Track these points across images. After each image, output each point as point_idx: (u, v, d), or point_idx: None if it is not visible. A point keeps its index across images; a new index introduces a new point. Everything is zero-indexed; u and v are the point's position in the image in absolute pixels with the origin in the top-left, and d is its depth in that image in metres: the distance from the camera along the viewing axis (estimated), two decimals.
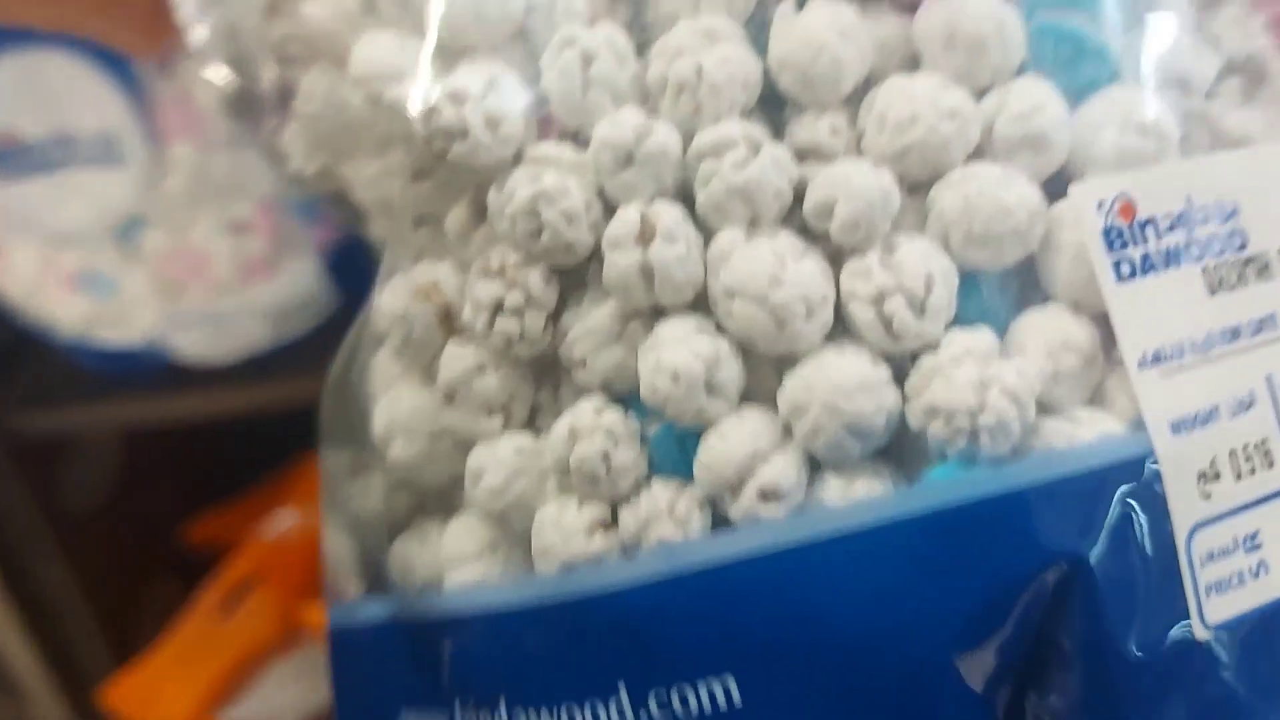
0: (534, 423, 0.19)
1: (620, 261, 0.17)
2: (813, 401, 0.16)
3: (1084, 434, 0.16)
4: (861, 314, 0.17)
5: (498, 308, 0.18)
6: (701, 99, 0.17)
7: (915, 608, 0.16)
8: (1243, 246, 0.18)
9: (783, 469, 0.17)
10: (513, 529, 0.18)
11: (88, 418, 0.66)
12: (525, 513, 0.18)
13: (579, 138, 0.18)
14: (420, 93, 0.18)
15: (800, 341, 0.17)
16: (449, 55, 0.18)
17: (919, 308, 0.17)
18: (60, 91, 0.55)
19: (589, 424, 0.17)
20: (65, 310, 0.60)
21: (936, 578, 0.16)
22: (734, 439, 0.17)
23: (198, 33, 0.21)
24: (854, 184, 0.17)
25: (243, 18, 0.20)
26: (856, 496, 0.16)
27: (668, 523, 0.17)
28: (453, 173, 0.19)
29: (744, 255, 0.17)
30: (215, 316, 0.62)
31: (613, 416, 0.17)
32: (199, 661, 0.71)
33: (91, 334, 0.61)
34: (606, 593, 0.17)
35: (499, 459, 0.18)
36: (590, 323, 0.18)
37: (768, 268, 0.16)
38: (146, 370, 0.63)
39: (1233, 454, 0.17)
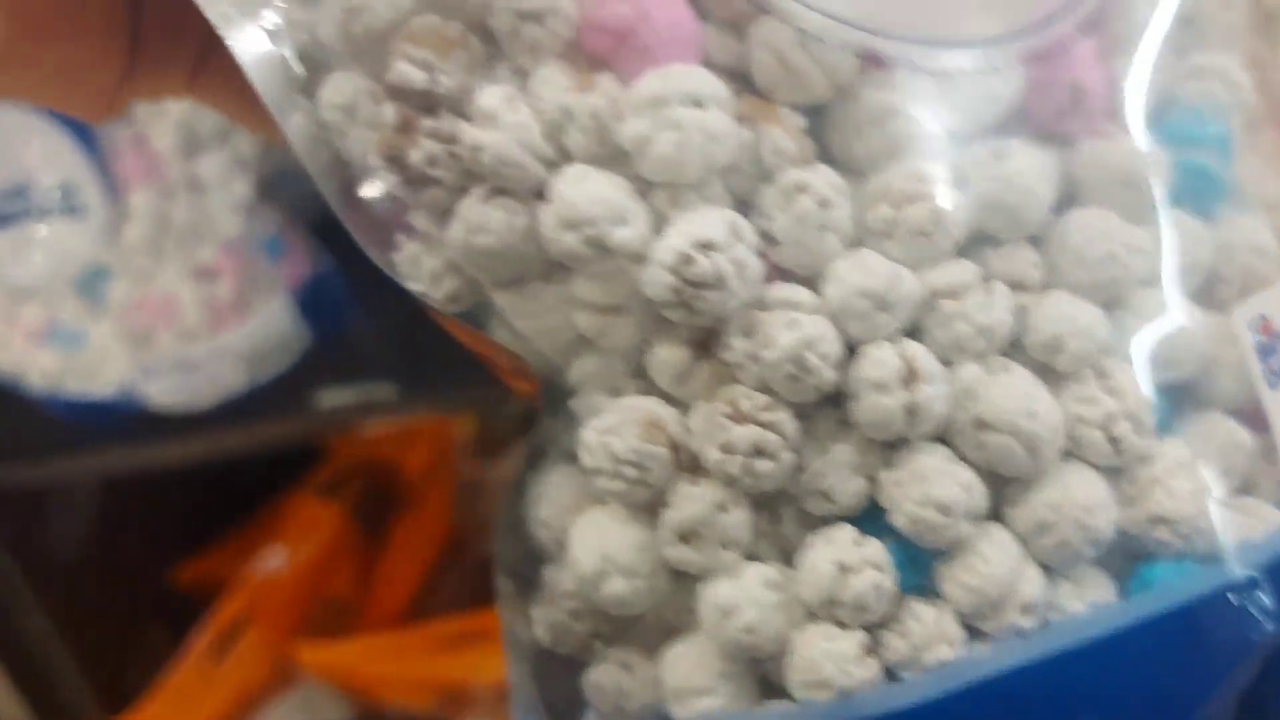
0: (756, 552, 0.19)
1: (885, 403, 0.17)
2: (1060, 520, 0.17)
3: (1265, 525, 0.18)
4: (1090, 436, 0.18)
5: (756, 452, 0.17)
6: (937, 241, 0.18)
7: (1161, 690, 0.18)
8: None
9: (1037, 584, 0.18)
10: (744, 659, 0.18)
11: (65, 468, 0.61)
12: (768, 643, 0.18)
13: (798, 277, 0.18)
14: (636, 235, 0.17)
15: (1045, 466, 0.18)
16: (661, 196, 0.18)
17: (1141, 427, 0.18)
18: (15, 143, 0.52)
19: (855, 558, 0.17)
20: (34, 364, 0.57)
21: (1176, 663, 0.18)
22: (996, 560, 0.17)
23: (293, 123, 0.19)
24: (1080, 321, 0.18)
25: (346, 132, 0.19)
26: (1093, 601, 0.18)
27: (942, 644, 0.17)
28: (653, 309, 0.18)
29: (998, 390, 0.17)
30: (187, 363, 0.58)
31: (874, 547, 0.18)
32: (194, 707, 0.70)
33: (62, 386, 0.58)
34: (890, 715, 0.17)
35: (749, 595, 0.18)
36: (837, 458, 0.18)
37: (1023, 401, 0.17)
38: (121, 419, 0.60)
39: None
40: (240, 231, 0.59)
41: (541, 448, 0.20)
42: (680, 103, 0.17)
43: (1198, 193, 0.20)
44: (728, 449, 0.17)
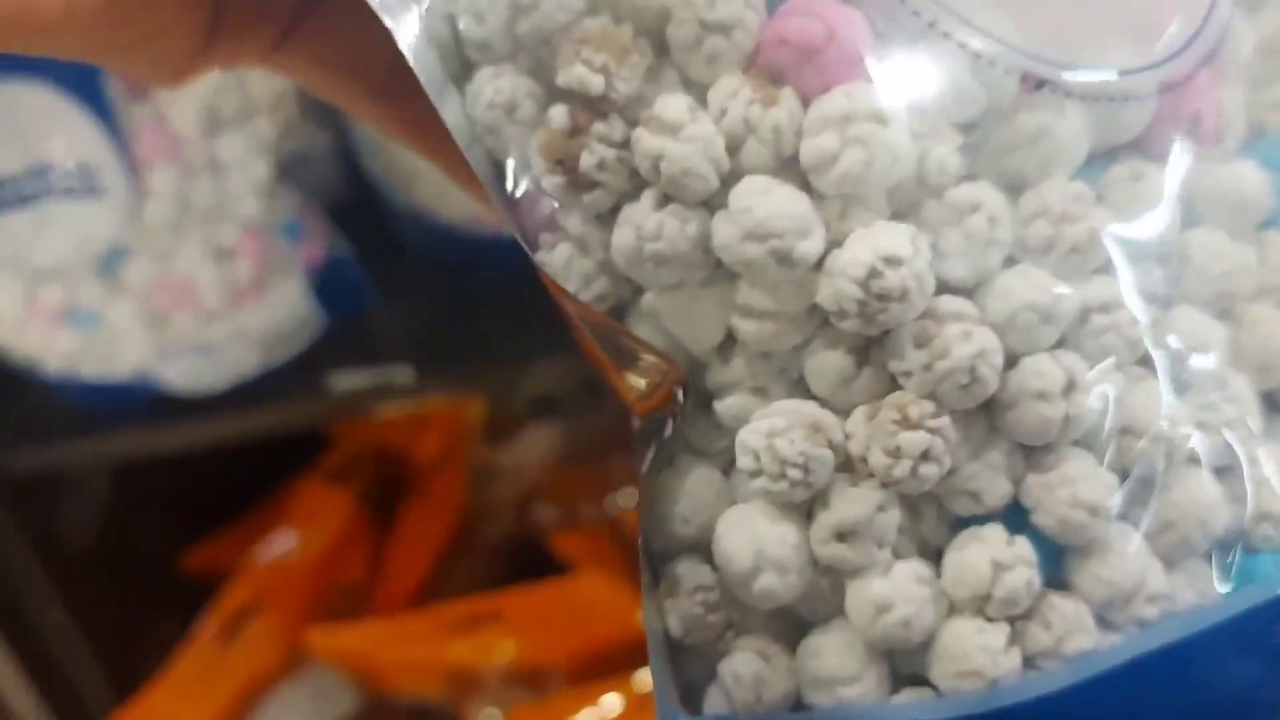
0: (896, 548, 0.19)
1: (1046, 412, 0.18)
2: (1183, 519, 0.19)
3: None
4: (1211, 440, 0.19)
5: (924, 457, 0.18)
6: (1090, 258, 0.18)
7: (1267, 672, 0.19)
8: None
9: (1160, 577, 0.19)
10: (884, 649, 0.19)
11: (77, 453, 0.59)
12: (919, 636, 0.19)
13: (958, 289, 0.19)
14: (818, 247, 0.18)
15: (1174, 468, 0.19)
16: (833, 207, 0.18)
17: (1252, 433, 0.19)
18: (34, 123, 0.50)
19: (1009, 555, 0.18)
20: (51, 346, 0.55)
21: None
22: (1131, 556, 0.18)
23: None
24: (1209, 334, 0.19)
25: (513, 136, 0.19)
26: (1204, 591, 0.19)
27: (1080, 634, 0.18)
28: (818, 316, 0.19)
29: (1141, 399, 0.18)
30: (204, 345, 0.58)
31: (1023, 546, 0.18)
32: (203, 691, 0.68)
33: (79, 368, 0.56)
34: (1036, 702, 0.18)
35: (903, 591, 0.18)
36: (989, 460, 0.18)
37: (1164, 409, 0.18)
38: (136, 402, 0.58)
39: None
40: (260, 213, 0.58)
41: (673, 446, 0.21)
42: (867, 120, 0.17)
43: None
44: (896, 454, 0.18)
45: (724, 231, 0.18)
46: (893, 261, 0.17)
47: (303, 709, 0.71)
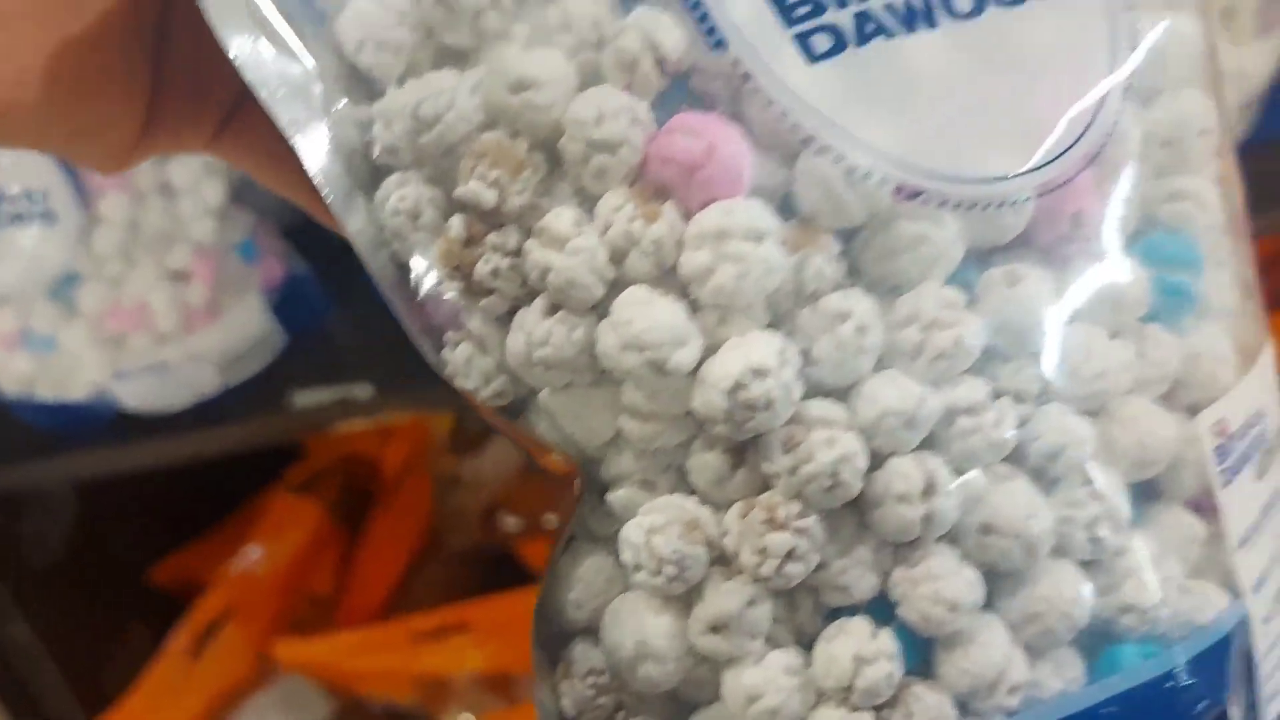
0: (774, 636, 0.20)
1: (906, 513, 0.18)
2: (1048, 611, 0.19)
3: (1212, 609, 0.21)
4: (1076, 536, 0.20)
5: (789, 556, 0.18)
6: (958, 363, 0.19)
7: None
8: (1264, 437, 0.22)
9: (1023, 667, 0.19)
10: None
11: (41, 472, 0.59)
12: None
13: (829, 391, 0.19)
14: (692, 357, 0.18)
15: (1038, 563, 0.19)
16: (710, 315, 0.19)
17: (1119, 527, 0.20)
18: None
19: (871, 649, 0.19)
20: (6, 369, 0.55)
21: None
22: (994, 647, 0.19)
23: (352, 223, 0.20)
24: (1078, 433, 0.20)
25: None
26: (1069, 678, 0.20)
27: None
28: (689, 416, 0.19)
29: (1003, 498, 0.19)
30: (160, 366, 0.57)
31: (885, 639, 0.19)
32: (173, 704, 0.69)
33: (34, 390, 0.56)
34: None
35: (773, 681, 0.19)
36: (857, 557, 0.19)
37: (1024, 508, 0.19)
38: (95, 422, 0.58)
39: (1276, 597, 0.22)
40: (212, 235, 0.58)
41: (573, 532, 0.21)
42: (742, 237, 0.18)
43: (1173, 309, 0.21)
44: (764, 553, 0.18)
45: (606, 340, 0.18)
46: (760, 373, 0.18)
47: (276, 717, 0.71)
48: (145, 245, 0.55)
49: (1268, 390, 0.23)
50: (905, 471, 0.18)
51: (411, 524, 0.73)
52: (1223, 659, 0.20)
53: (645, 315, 0.18)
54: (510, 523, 0.71)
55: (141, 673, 0.65)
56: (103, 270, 0.54)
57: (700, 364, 0.18)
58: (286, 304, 0.61)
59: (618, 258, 0.18)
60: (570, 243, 0.18)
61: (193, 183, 0.55)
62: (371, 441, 0.75)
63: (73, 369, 0.56)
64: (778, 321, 0.19)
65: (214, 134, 0.24)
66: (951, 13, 0.20)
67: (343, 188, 0.19)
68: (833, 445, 0.18)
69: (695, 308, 0.18)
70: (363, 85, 0.19)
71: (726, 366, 0.18)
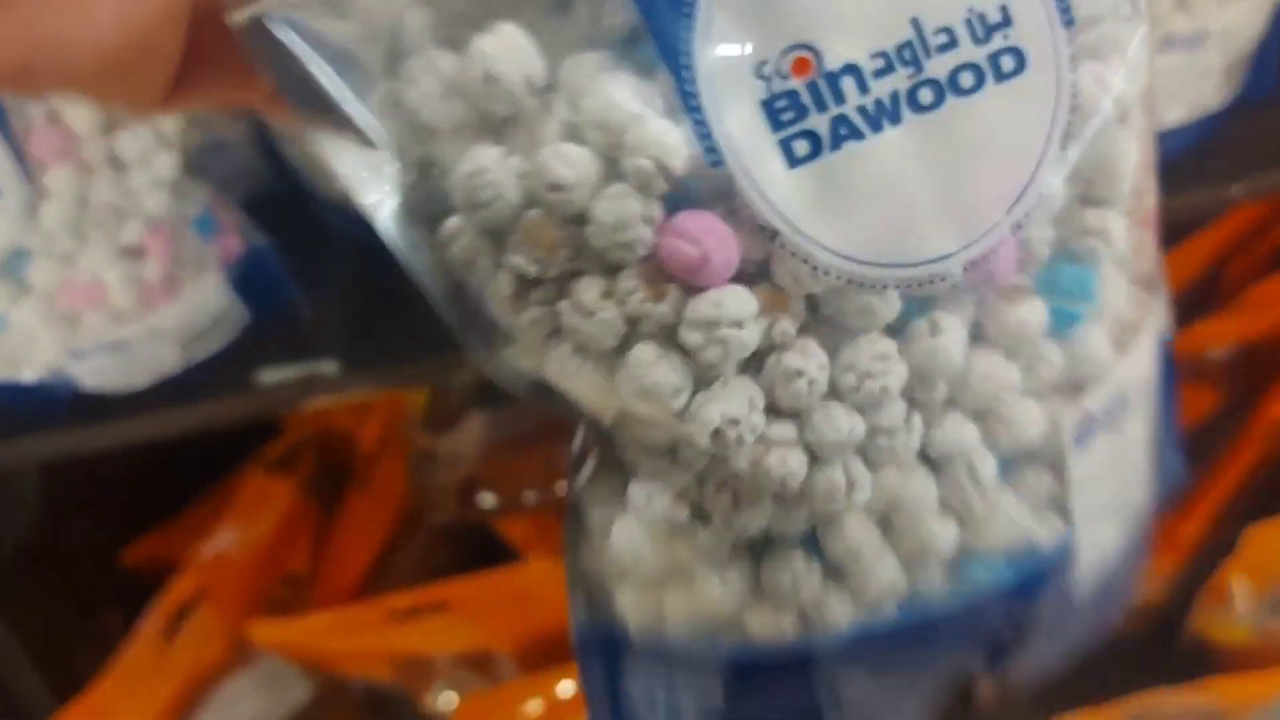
0: None
1: (836, 505, 0.25)
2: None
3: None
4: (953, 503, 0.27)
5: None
6: (883, 401, 0.25)
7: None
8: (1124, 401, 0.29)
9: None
10: None
11: (2, 455, 0.61)
12: None
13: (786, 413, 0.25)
14: (685, 403, 0.24)
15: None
16: (703, 370, 0.24)
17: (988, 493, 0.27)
18: None
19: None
20: None
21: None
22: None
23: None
24: (966, 435, 0.26)
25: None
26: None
27: None
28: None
29: (906, 488, 0.26)
30: (118, 344, 0.58)
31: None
32: (146, 688, 0.68)
33: None
34: None
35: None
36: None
37: (919, 491, 0.26)
38: (51, 404, 0.59)
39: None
40: (166, 209, 0.56)
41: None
42: (728, 325, 0.24)
43: (1065, 330, 0.27)
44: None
45: (623, 386, 0.25)
46: (734, 422, 0.24)
47: (255, 698, 0.70)
48: (96, 220, 0.54)
49: (1138, 365, 0.28)
50: (833, 478, 0.25)
51: (388, 501, 0.72)
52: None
53: (652, 373, 0.24)
54: (488, 500, 0.69)
55: (113, 657, 0.64)
56: (53, 247, 0.53)
57: (690, 403, 0.24)
58: (246, 279, 0.59)
59: (631, 323, 0.24)
60: (595, 316, 0.24)
61: (143, 155, 0.53)
62: (347, 418, 0.73)
63: (26, 348, 0.55)
64: (751, 365, 0.25)
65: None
66: (916, 107, 0.24)
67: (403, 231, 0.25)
68: (785, 462, 0.25)
69: (688, 358, 0.25)
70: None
71: (709, 416, 0.24)
